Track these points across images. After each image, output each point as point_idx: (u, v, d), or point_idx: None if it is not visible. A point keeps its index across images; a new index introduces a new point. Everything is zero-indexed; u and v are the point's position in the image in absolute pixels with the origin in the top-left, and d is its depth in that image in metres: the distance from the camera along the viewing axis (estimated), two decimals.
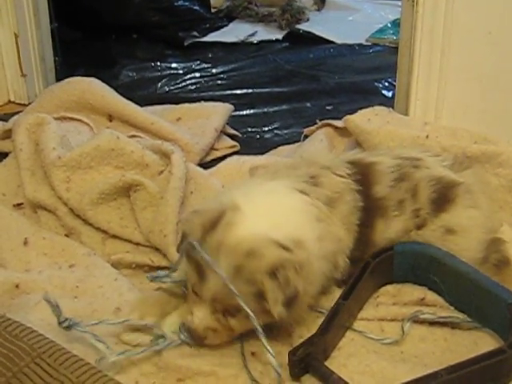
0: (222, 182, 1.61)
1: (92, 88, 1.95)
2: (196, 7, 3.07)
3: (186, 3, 3.03)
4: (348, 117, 1.71)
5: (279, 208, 1.21)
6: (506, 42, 1.71)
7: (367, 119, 1.68)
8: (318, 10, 3.36)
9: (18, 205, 1.62)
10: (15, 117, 1.99)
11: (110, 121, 1.94)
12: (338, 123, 1.83)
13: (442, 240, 1.30)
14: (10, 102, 2.31)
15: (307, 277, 1.15)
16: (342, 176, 1.31)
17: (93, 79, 1.99)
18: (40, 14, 2.27)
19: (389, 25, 3.08)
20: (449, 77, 1.77)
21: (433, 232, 1.31)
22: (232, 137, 2.02)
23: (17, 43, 2.23)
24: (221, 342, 1.18)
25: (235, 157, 1.75)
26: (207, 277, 1.13)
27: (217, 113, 1.96)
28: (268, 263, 1.11)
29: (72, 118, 1.90)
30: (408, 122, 1.72)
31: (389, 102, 2.12)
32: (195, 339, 1.17)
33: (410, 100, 1.83)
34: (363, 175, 1.32)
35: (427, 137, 1.57)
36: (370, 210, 1.30)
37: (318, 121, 1.92)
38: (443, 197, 1.31)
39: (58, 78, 2.38)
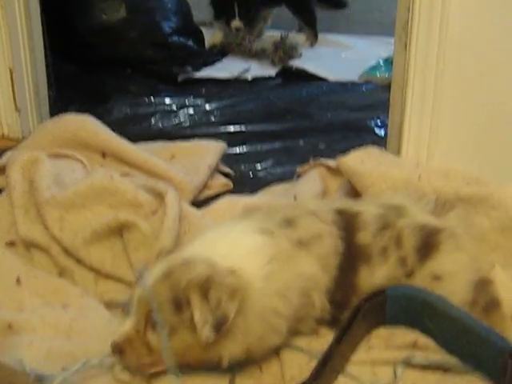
0: (215, 222, 1.61)
1: (86, 125, 1.96)
2: (190, 43, 3.09)
3: (181, 39, 3.05)
4: (341, 158, 1.72)
5: (231, 244, 1.27)
6: (498, 83, 1.73)
7: (360, 160, 1.69)
8: (311, 45, 3.38)
9: (11, 243, 1.61)
10: (9, 153, 2.00)
11: (104, 158, 1.95)
12: (331, 163, 1.84)
13: (430, 286, 1.31)
14: (3, 136, 2.32)
15: (245, 308, 1.18)
16: (324, 222, 1.34)
17: (87, 116, 2.01)
18: (35, 49, 2.29)
19: (381, 62, 3.11)
20: (441, 117, 1.79)
21: (421, 280, 1.33)
22: (225, 175, 2.03)
23: (11, 78, 2.24)
24: (143, 366, 1.19)
25: (228, 197, 1.75)
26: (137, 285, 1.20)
27: (210, 151, 1.97)
28: (197, 276, 1.16)
29: (66, 155, 1.90)
30: (400, 163, 1.73)
31: (381, 141, 2.14)
32: (113, 351, 1.19)
33: (402, 139, 1.84)
34: (348, 223, 1.35)
35: (419, 178, 1.59)
36: (352, 256, 1.33)
37: (311, 160, 1.93)
38: (427, 244, 1.33)
39: (52, 113, 2.40)
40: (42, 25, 2.33)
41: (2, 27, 2.17)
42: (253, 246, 1.26)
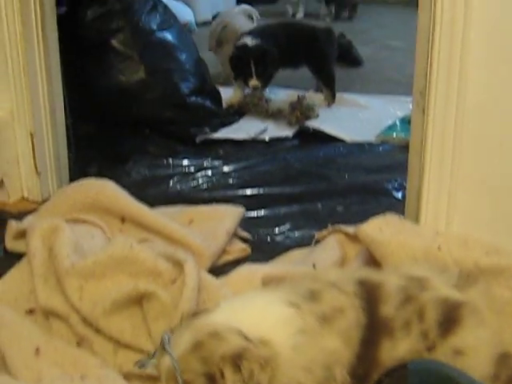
0: (234, 291, 1.61)
1: (105, 190, 1.98)
2: (208, 103, 3.12)
3: (199, 99, 3.08)
4: (360, 227, 1.72)
5: (259, 313, 1.26)
6: None
7: (379, 228, 1.69)
8: (329, 105, 3.41)
9: (30, 311, 1.62)
10: (29, 217, 2.02)
11: (123, 223, 1.96)
12: (350, 230, 1.84)
13: (452, 361, 1.30)
14: (23, 198, 2.34)
15: (274, 380, 1.17)
16: (346, 293, 1.33)
17: (106, 181, 2.03)
18: (56, 113, 2.33)
19: (397, 122, 3.12)
20: (459, 184, 1.78)
21: (442, 354, 1.31)
22: (243, 239, 2.04)
23: (32, 142, 2.27)
24: None
25: (247, 266, 1.75)
26: (165, 354, 1.19)
27: (229, 216, 1.98)
28: (230, 349, 1.15)
29: (85, 221, 1.92)
30: (419, 231, 1.72)
31: (399, 203, 2.14)
32: None
33: (420, 205, 1.84)
34: (370, 294, 1.34)
35: (439, 248, 1.58)
36: (374, 329, 1.31)
37: (329, 226, 1.93)
38: (450, 319, 1.32)
39: (72, 175, 2.43)
40: (62, 87, 2.37)
41: (25, 92, 2.20)
42: (280, 317, 1.26)
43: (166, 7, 3.26)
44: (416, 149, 1.86)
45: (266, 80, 3.35)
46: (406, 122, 3.07)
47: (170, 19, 3.23)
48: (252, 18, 4.13)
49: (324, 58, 3.49)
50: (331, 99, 3.43)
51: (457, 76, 1.72)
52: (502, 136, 1.74)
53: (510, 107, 1.72)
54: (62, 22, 2.38)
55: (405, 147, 2.33)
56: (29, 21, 2.15)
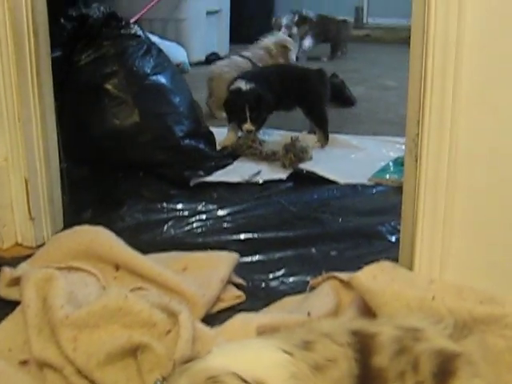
0: (229, 341, 1.61)
1: (99, 238, 1.99)
2: (201, 146, 3.13)
3: (193, 142, 3.09)
4: (354, 275, 1.72)
5: (253, 358, 1.26)
6: (509, 197, 1.74)
7: (373, 276, 1.69)
8: (322, 147, 3.43)
9: (24, 362, 1.61)
10: (23, 264, 2.02)
11: (117, 270, 1.96)
12: (344, 277, 1.84)
13: None
14: (17, 244, 2.34)
15: None
16: (339, 344, 1.33)
17: (100, 228, 2.03)
18: (50, 157, 2.33)
19: (390, 163, 3.14)
20: (453, 231, 1.79)
21: None
22: (238, 285, 2.03)
23: (27, 188, 2.27)
24: None
25: (241, 315, 1.74)
26: None
27: (223, 263, 1.98)
28: None
29: (79, 268, 1.92)
30: (413, 279, 1.73)
31: (393, 247, 2.15)
32: None
33: (414, 252, 1.84)
34: (363, 344, 1.33)
35: (433, 298, 1.58)
36: (367, 380, 1.31)
37: (323, 272, 1.93)
38: (445, 370, 1.32)
39: (66, 219, 2.43)
40: (56, 131, 2.38)
41: (19, 138, 2.22)
42: (274, 361, 1.26)
43: (159, 50, 3.29)
44: (409, 196, 1.87)
45: (259, 124, 3.39)
46: (398, 163, 3.10)
47: (163, 62, 3.25)
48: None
49: (316, 99, 3.52)
50: (324, 141, 3.45)
51: (449, 125, 1.74)
52: (494, 180, 1.75)
53: (500, 155, 1.73)
54: (56, 65, 2.39)
55: (398, 188, 2.35)
56: (24, 70, 2.16)
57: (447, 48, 1.70)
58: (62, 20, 3.09)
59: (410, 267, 1.85)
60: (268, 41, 4.59)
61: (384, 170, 3.07)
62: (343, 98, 4.02)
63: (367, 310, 1.71)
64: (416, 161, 1.83)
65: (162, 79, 3.15)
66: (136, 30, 3.25)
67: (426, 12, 1.72)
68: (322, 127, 3.47)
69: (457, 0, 1.67)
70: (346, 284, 1.84)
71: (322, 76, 3.59)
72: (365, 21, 7.49)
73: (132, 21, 4.18)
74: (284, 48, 4.56)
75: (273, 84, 3.43)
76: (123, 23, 3.22)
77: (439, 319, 1.46)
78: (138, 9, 5.18)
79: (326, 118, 3.51)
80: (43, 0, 2.20)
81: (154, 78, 3.12)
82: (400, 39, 6.83)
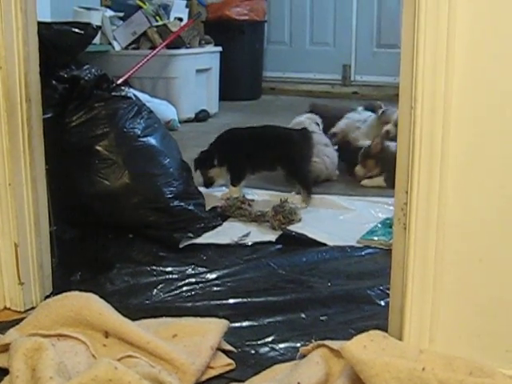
0: None
1: (89, 304, 1.98)
2: (191, 207, 3.14)
3: (182, 203, 3.10)
4: (344, 346, 1.72)
5: None
6: (497, 270, 1.76)
7: (363, 346, 1.70)
8: (306, 206, 3.43)
9: None
10: (11, 331, 2.01)
11: (107, 337, 1.95)
12: (334, 345, 1.84)
13: None
14: (5, 308, 2.33)
15: None
16: None
17: (90, 295, 2.03)
18: (40, 222, 2.34)
19: (379, 225, 3.15)
20: (442, 301, 1.81)
21: None
22: (227, 352, 2.03)
23: (16, 252, 2.27)
24: None
25: None
26: None
27: (212, 331, 1.98)
28: None
29: (68, 336, 1.91)
30: (403, 349, 1.74)
31: (383, 312, 2.15)
32: None
33: (404, 321, 1.86)
34: None
35: (423, 369, 1.59)
36: None
37: (313, 339, 1.94)
38: None
39: (55, 282, 2.43)
40: (47, 194, 2.39)
41: (10, 203, 2.22)
42: None
43: (150, 112, 3.32)
44: (398, 264, 1.88)
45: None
46: (387, 225, 3.11)
47: (153, 123, 3.28)
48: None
49: (298, 160, 3.56)
50: (307, 199, 3.46)
51: (437, 194, 1.77)
52: (482, 252, 1.78)
53: (489, 223, 1.76)
54: (47, 126, 2.40)
55: (387, 251, 2.36)
56: (16, 136, 2.18)
57: (435, 115, 1.74)
58: (54, 81, 3.10)
59: (400, 336, 1.85)
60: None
61: (372, 231, 3.09)
62: None
63: (357, 380, 1.71)
64: (405, 229, 1.85)
65: (152, 140, 3.17)
66: (127, 91, 3.28)
67: (413, 85, 1.75)
68: (305, 188, 3.49)
69: (444, 65, 1.71)
70: (337, 353, 1.84)
71: (306, 136, 3.62)
72: (352, 78, 7.58)
73: (121, 80, 4.26)
74: None
75: (244, 145, 3.51)
76: (114, 85, 3.25)
77: None
78: (129, 67, 5.23)
79: (308, 179, 3.55)
80: (36, 68, 2.23)
81: (145, 139, 3.14)
82: (386, 96, 6.92)
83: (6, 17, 2.12)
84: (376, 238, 3.02)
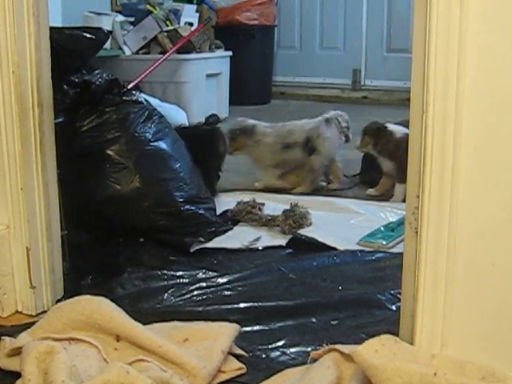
0: None
1: (101, 308, 1.98)
2: (202, 211, 3.14)
3: (193, 207, 3.10)
4: (356, 350, 1.72)
5: None
6: (509, 274, 1.76)
7: (374, 351, 1.69)
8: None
9: None
10: (23, 334, 2.01)
11: (118, 341, 1.96)
12: (345, 349, 1.84)
13: None
14: (17, 312, 2.34)
15: None
16: None
17: (102, 298, 2.03)
18: (52, 226, 2.35)
19: (382, 228, 3.15)
20: (454, 306, 1.80)
21: None
22: (238, 356, 2.03)
23: (28, 256, 2.28)
24: None
25: None
26: None
27: (224, 335, 1.98)
28: None
29: (80, 340, 1.92)
30: (414, 353, 1.73)
31: (393, 316, 2.15)
32: None
33: (415, 326, 1.85)
34: None
35: (435, 374, 1.59)
36: None
37: (324, 344, 1.93)
38: None
39: (66, 286, 2.44)
40: (58, 198, 2.40)
41: (22, 208, 2.24)
42: None
43: (161, 116, 3.33)
44: (410, 269, 1.88)
45: None
46: (389, 228, 3.11)
47: (164, 128, 3.28)
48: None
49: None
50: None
51: (448, 199, 1.76)
52: (494, 256, 1.77)
53: (501, 229, 1.75)
54: (58, 131, 2.41)
55: (398, 254, 2.35)
56: (28, 141, 2.19)
57: (446, 119, 1.74)
58: (65, 86, 3.12)
59: (411, 341, 1.85)
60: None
61: (373, 234, 3.08)
62: None
63: None
64: (416, 233, 1.85)
65: (162, 145, 3.18)
66: (138, 96, 3.29)
67: (424, 89, 1.75)
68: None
69: (455, 69, 1.71)
70: (348, 357, 1.83)
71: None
72: (362, 83, 7.58)
73: (132, 85, 4.26)
74: None
75: None
76: (125, 89, 3.26)
77: None
78: (139, 72, 5.24)
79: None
80: (48, 73, 2.24)
81: (155, 143, 3.15)
82: (397, 101, 6.93)
83: (19, 22, 2.14)
84: (374, 241, 3.01)
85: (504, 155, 1.72)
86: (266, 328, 2.25)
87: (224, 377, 1.92)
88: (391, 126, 3.81)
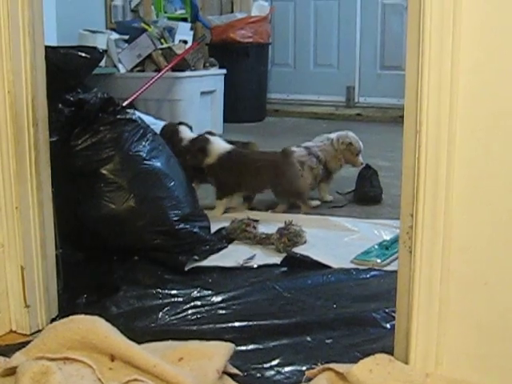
0: None
1: (95, 328, 1.98)
2: (196, 229, 3.14)
3: (187, 226, 3.10)
4: (350, 370, 1.73)
5: None
6: (502, 293, 1.77)
7: (369, 371, 1.70)
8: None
9: None
10: (17, 354, 2.00)
11: (113, 360, 1.95)
12: (340, 369, 1.84)
13: None
14: (11, 331, 2.34)
15: None
16: None
17: (96, 318, 2.03)
18: (47, 245, 2.35)
19: (376, 246, 3.15)
20: (448, 325, 1.81)
21: None
22: (233, 375, 2.03)
23: (22, 275, 2.28)
24: None
25: None
26: None
27: (218, 353, 1.98)
28: None
29: (75, 359, 1.91)
30: (409, 373, 1.74)
31: (388, 334, 2.15)
32: None
33: (410, 345, 1.86)
34: None
35: None
36: None
37: (319, 363, 1.94)
38: None
39: (60, 305, 2.43)
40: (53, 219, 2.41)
41: (16, 227, 2.24)
42: None
43: (155, 134, 3.34)
44: (404, 287, 1.88)
45: None
46: (383, 247, 3.12)
47: (158, 146, 3.29)
48: None
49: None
50: None
51: (442, 218, 1.77)
52: (487, 275, 1.78)
53: (496, 248, 1.76)
54: (53, 150, 2.41)
55: (391, 272, 2.35)
56: (23, 160, 2.20)
57: (440, 138, 1.75)
58: (60, 105, 3.12)
59: (406, 360, 1.85)
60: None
61: (368, 252, 3.08)
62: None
63: None
64: (410, 252, 1.86)
65: (157, 163, 3.18)
66: (131, 114, 3.29)
67: (418, 109, 1.77)
68: None
69: (449, 87, 1.72)
70: (343, 376, 1.84)
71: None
72: (356, 100, 7.61)
73: (127, 103, 4.28)
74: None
75: None
76: (119, 108, 3.27)
77: None
78: (134, 90, 5.26)
79: None
80: (43, 92, 2.25)
81: (150, 162, 3.15)
82: (390, 118, 6.95)
83: (14, 42, 2.15)
84: (369, 260, 3.01)
85: (498, 174, 1.74)
86: (261, 347, 2.25)
87: None
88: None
